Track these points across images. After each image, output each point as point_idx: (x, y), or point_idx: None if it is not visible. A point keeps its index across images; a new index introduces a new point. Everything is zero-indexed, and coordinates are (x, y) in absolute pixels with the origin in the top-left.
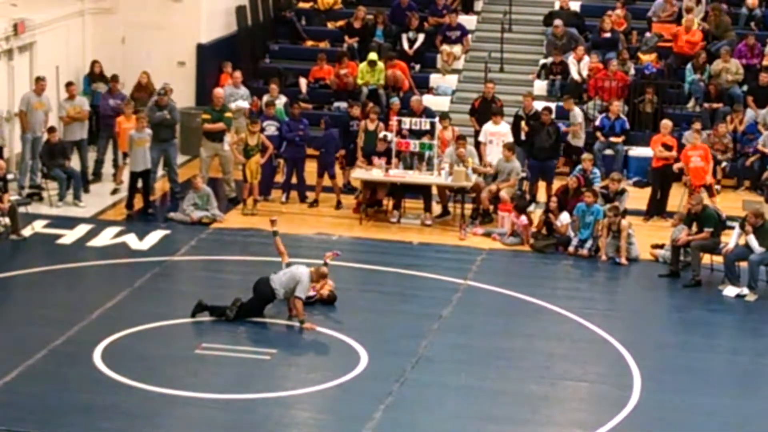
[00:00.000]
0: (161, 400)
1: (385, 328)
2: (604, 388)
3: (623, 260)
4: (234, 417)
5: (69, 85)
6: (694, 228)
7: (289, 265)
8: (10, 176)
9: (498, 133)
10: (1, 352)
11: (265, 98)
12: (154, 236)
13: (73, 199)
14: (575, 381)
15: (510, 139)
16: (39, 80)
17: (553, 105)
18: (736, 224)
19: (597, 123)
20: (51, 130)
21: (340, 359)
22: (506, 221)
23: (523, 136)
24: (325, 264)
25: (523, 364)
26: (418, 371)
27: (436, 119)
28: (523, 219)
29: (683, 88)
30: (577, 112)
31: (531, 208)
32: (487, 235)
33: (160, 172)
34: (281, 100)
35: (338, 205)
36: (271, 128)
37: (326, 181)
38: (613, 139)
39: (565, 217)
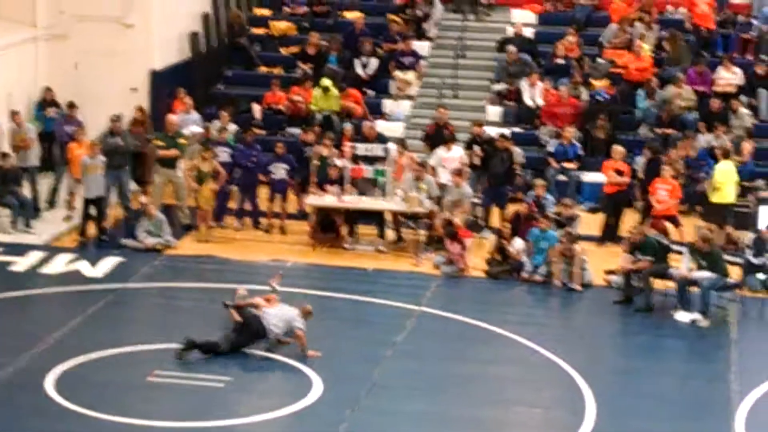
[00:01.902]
0: (113, 428)
1: (338, 355)
2: (557, 413)
3: (577, 286)
4: None
5: (14, 114)
6: (638, 255)
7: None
8: None
9: (450, 158)
10: None
11: (217, 125)
12: (108, 263)
13: (23, 227)
14: (529, 406)
15: (459, 165)
16: None
17: (507, 131)
18: (684, 249)
19: (550, 149)
20: (4, 155)
21: (294, 386)
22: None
23: (476, 161)
24: (274, 290)
25: (476, 389)
26: (372, 398)
27: (390, 145)
28: (456, 246)
29: (635, 113)
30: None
31: (484, 234)
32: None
33: (114, 198)
34: (232, 127)
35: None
36: (224, 154)
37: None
38: (566, 164)
39: (518, 243)
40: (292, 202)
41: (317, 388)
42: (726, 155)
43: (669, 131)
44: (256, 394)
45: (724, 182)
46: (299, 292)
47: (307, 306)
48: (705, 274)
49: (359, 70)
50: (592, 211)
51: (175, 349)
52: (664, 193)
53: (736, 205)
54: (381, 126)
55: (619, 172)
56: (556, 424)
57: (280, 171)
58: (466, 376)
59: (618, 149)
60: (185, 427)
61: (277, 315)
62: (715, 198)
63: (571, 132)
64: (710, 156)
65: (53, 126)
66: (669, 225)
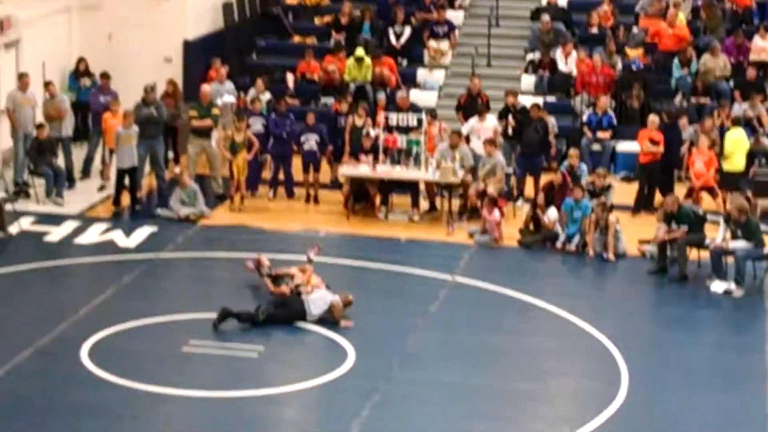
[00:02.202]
0: (148, 398)
1: (372, 325)
2: (591, 383)
3: (610, 256)
4: (221, 415)
5: (47, 84)
6: (674, 226)
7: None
8: None
9: (483, 128)
10: None
11: (251, 94)
12: (142, 233)
13: (54, 197)
14: (563, 377)
15: (492, 134)
16: (22, 77)
17: (541, 101)
18: (720, 219)
19: (584, 118)
20: (39, 126)
21: (328, 356)
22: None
23: (510, 131)
24: (309, 261)
25: (510, 360)
26: (405, 368)
27: (423, 114)
28: (496, 215)
29: (670, 83)
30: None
31: (518, 203)
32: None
33: (147, 169)
34: (266, 97)
35: (315, 199)
36: (257, 125)
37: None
38: (600, 134)
39: (552, 213)
40: (325, 172)
41: (350, 358)
42: (736, 123)
43: (704, 100)
44: (289, 365)
45: (734, 150)
46: (332, 262)
47: (350, 296)
48: (740, 244)
49: (393, 40)
50: (626, 180)
51: (210, 319)
52: (701, 164)
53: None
54: (414, 96)
55: (654, 142)
56: (590, 394)
57: (310, 141)
58: (499, 347)
59: (653, 118)
60: (219, 396)
61: (319, 301)
62: (726, 166)
63: (605, 101)
64: (747, 125)
65: (87, 96)
66: (706, 195)
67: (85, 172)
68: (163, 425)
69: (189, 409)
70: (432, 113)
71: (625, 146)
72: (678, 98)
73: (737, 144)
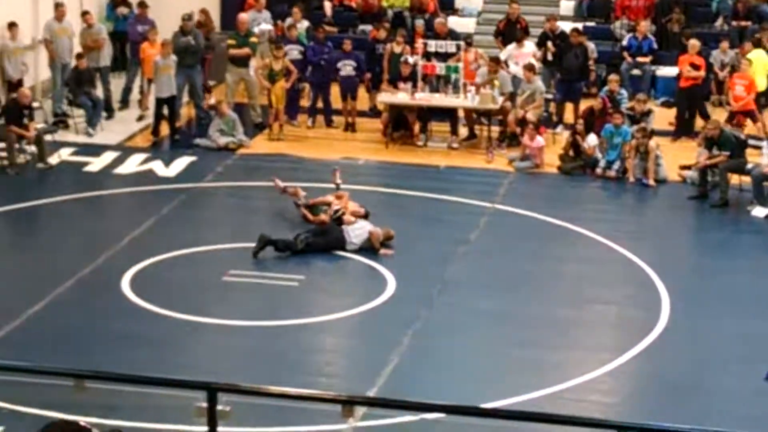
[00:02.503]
0: (189, 327)
1: (412, 253)
2: (632, 311)
3: (651, 182)
4: (262, 344)
5: (84, 14)
6: (715, 151)
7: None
8: (35, 104)
9: (522, 54)
10: (29, 281)
11: (288, 22)
12: (181, 163)
13: (90, 126)
14: (604, 304)
15: (532, 60)
16: (58, 6)
17: (581, 26)
18: (763, 143)
19: (624, 43)
20: (79, 56)
21: (368, 285)
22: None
23: (549, 57)
24: (337, 186)
25: (550, 287)
26: (445, 296)
27: (462, 41)
28: (539, 140)
29: (711, 6)
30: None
31: (557, 129)
32: (511, 161)
33: (186, 98)
34: (303, 24)
35: (352, 127)
36: (294, 52)
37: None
38: (640, 59)
39: (592, 139)
40: (364, 99)
41: (391, 286)
42: (757, 44)
43: (745, 23)
44: (330, 293)
45: (754, 72)
46: (371, 189)
47: (391, 231)
48: None
49: None
50: (666, 105)
51: (249, 248)
52: (741, 88)
53: None
54: (453, 22)
55: (695, 66)
56: (630, 321)
57: (347, 68)
58: (540, 274)
59: (694, 43)
60: (260, 325)
61: (358, 230)
62: None
63: (645, 26)
64: None
65: (124, 26)
66: (747, 120)
67: (124, 102)
68: (204, 354)
69: (230, 338)
70: (467, 40)
71: (665, 71)
72: (719, 22)
73: (756, 64)
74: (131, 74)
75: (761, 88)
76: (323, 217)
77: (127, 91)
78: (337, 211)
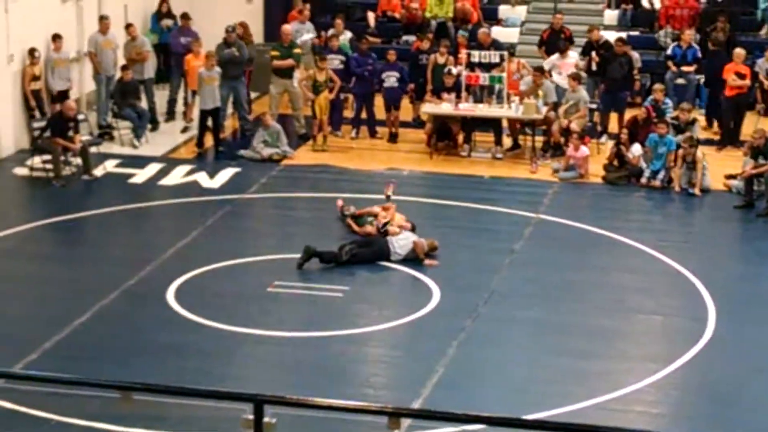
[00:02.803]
0: (234, 338)
1: (456, 264)
2: (678, 320)
3: (696, 191)
4: (307, 355)
5: (128, 26)
6: (761, 160)
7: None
8: (80, 116)
9: (564, 63)
10: (74, 292)
11: (330, 32)
12: (225, 174)
13: (135, 138)
14: (649, 314)
15: (575, 69)
16: (103, 19)
17: (625, 35)
18: None
19: (669, 52)
20: (124, 68)
21: (412, 296)
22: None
23: (593, 67)
24: (388, 198)
25: (596, 297)
26: (490, 306)
27: (505, 52)
28: (583, 150)
29: (756, 14)
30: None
31: (602, 139)
32: (555, 171)
33: (230, 109)
34: (346, 36)
35: (394, 138)
36: (335, 62)
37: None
38: (684, 68)
39: (636, 149)
40: (407, 110)
41: (435, 297)
42: None
43: None
44: (375, 304)
45: None
46: (416, 200)
47: (435, 242)
48: None
49: None
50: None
51: (294, 259)
52: None
53: None
54: (496, 32)
55: (741, 75)
56: (676, 331)
57: (391, 79)
58: (584, 284)
59: (739, 51)
60: (304, 336)
61: (402, 241)
62: None
63: (689, 34)
64: None
65: (168, 38)
66: None
67: (169, 114)
68: (249, 365)
69: (275, 349)
70: (510, 50)
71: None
72: (764, 30)
73: None
74: (174, 86)
75: None
76: (369, 228)
77: (172, 102)
78: (385, 223)
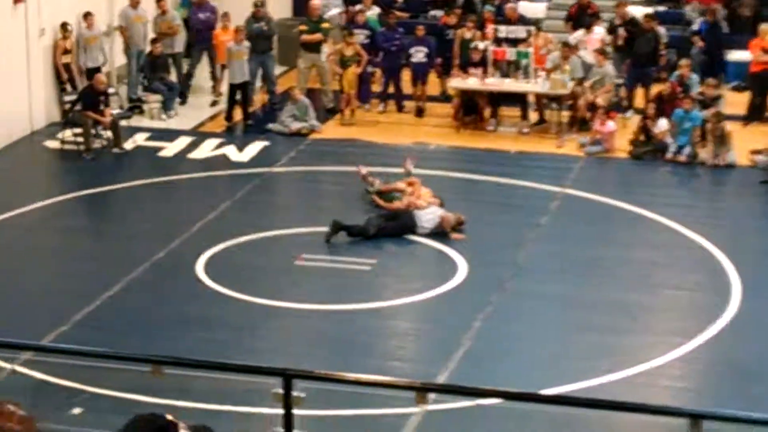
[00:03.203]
0: (263, 311)
1: (483, 238)
2: (703, 296)
3: (722, 162)
4: (334, 327)
5: (158, 1)
6: None
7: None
8: (111, 90)
9: (590, 39)
10: (104, 265)
11: (358, 7)
12: (254, 148)
13: (164, 111)
14: (674, 289)
15: (601, 45)
16: None
17: (652, 10)
18: None
19: (695, 27)
20: (154, 41)
21: (439, 269)
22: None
23: (620, 42)
24: (409, 173)
25: (621, 272)
26: (516, 281)
27: (532, 27)
28: (610, 125)
29: None
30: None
31: (628, 114)
32: (581, 146)
33: (258, 83)
34: (374, 11)
35: (421, 112)
36: (361, 37)
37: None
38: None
39: (662, 124)
40: (434, 84)
41: (462, 271)
42: None
43: None
44: (401, 278)
45: None
46: (442, 174)
47: (462, 216)
48: None
49: None
50: (737, 89)
51: (322, 232)
52: None
53: None
54: (523, 7)
55: (766, 51)
56: (701, 307)
57: (419, 54)
58: (610, 259)
59: (765, 27)
60: (332, 309)
61: (429, 215)
62: None
63: (717, 10)
64: None
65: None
66: None
67: (185, 87)
68: (277, 337)
69: (302, 322)
70: (537, 25)
71: (736, 55)
72: None
73: None
74: (194, 61)
75: None
76: (397, 204)
77: (188, 76)
78: (413, 202)
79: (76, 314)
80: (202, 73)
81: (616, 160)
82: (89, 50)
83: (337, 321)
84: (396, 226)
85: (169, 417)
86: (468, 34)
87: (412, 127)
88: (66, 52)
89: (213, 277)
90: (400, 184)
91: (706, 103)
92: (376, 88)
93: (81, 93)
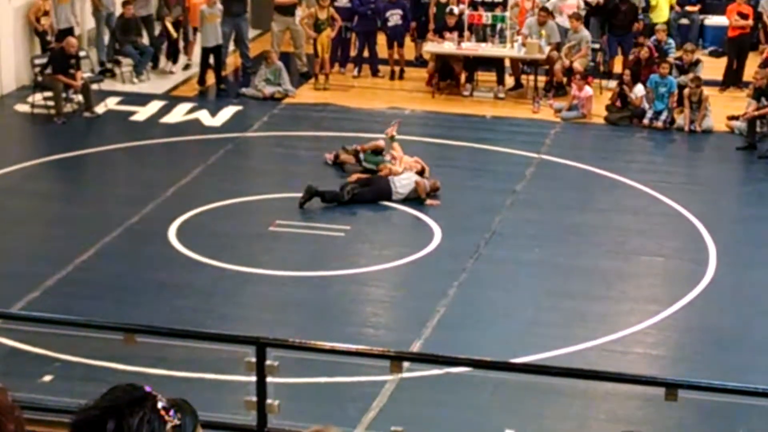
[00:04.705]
0: (236, 277)
1: (458, 204)
2: (679, 262)
3: (697, 128)
4: (309, 294)
5: None
6: (764, 101)
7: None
8: (82, 53)
9: (566, 5)
10: (77, 230)
11: None
12: (227, 112)
13: (136, 75)
14: (650, 256)
15: (576, 9)
16: None
17: None
18: None
19: None
20: (125, 3)
21: (414, 236)
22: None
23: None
24: (392, 138)
25: (597, 239)
26: (491, 247)
27: None
28: (587, 90)
29: None
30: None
31: (609, 83)
32: (557, 111)
33: (231, 47)
34: None
35: (401, 74)
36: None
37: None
38: (688, 8)
39: (639, 89)
40: (410, 48)
41: (437, 237)
42: None
43: None
44: (376, 244)
45: None
46: (417, 140)
47: (437, 182)
48: None
49: None
50: (714, 55)
51: (296, 198)
52: None
53: None
54: None
55: (743, 15)
56: (677, 273)
57: (395, 17)
58: (586, 226)
59: None
60: (306, 276)
61: (404, 180)
62: None
63: None
64: None
65: None
66: None
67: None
68: (250, 304)
69: (276, 289)
70: None
71: (713, 20)
72: None
73: None
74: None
75: None
76: (389, 167)
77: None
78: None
79: (47, 280)
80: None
81: (592, 125)
82: (60, 10)
83: (312, 287)
84: (370, 191)
85: (148, 388)
86: None
87: (386, 91)
88: (45, 13)
89: (186, 242)
90: (381, 143)
91: (683, 68)
92: (351, 52)
93: (51, 56)
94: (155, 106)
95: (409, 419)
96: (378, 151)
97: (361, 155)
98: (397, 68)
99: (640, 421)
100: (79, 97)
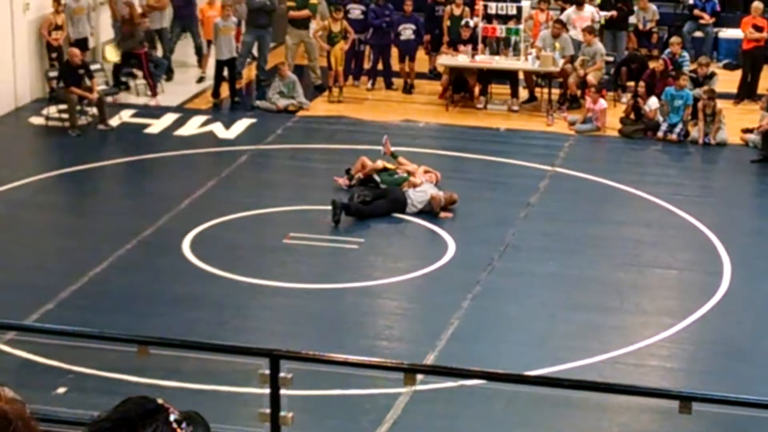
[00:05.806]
0: (250, 289)
1: (472, 216)
2: (693, 275)
3: (712, 141)
4: (323, 306)
5: None
6: None
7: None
8: (96, 66)
9: (580, 17)
10: (91, 243)
11: None
12: (241, 125)
13: (158, 89)
14: (664, 268)
15: (590, 23)
16: None
17: None
18: None
19: (690, 1)
20: (142, 15)
21: (428, 248)
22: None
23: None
24: (393, 155)
25: (611, 251)
26: (505, 259)
27: (522, 3)
28: (602, 103)
29: None
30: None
31: (623, 98)
32: (571, 124)
33: (249, 58)
34: None
35: (410, 89)
36: (356, 12)
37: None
38: (702, 20)
39: (653, 102)
40: (423, 61)
41: (451, 249)
42: None
43: None
44: (390, 257)
45: None
46: (431, 152)
47: (454, 195)
48: None
49: None
50: (729, 67)
51: (310, 210)
52: None
53: None
54: None
55: (758, 28)
56: (692, 286)
57: (407, 32)
58: (600, 238)
59: (757, 5)
60: (320, 288)
61: (420, 194)
62: None
63: None
64: None
65: None
66: None
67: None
68: (265, 317)
69: (290, 301)
70: (540, 3)
71: (728, 33)
72: None
73: None
74: (174, 37)
75: None
76: (411, 181)
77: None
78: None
79: (62, 292)
80: (187, 49)
81: (606, 138)
82: (76, 22)
83: (326, 300)
84: (385, 204)
85: (160, 401)
86: (457, 11)
87: (400, 104)
88: (57, 27)
89: (200, 255)
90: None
91: (698, 80)
92: (366, 65)
93: (60, 70)
94: (169, 118)
95: None
96: (390, 171)
97: (376, 177)
98: (409, 81)
99: None
100: (94, 110)
